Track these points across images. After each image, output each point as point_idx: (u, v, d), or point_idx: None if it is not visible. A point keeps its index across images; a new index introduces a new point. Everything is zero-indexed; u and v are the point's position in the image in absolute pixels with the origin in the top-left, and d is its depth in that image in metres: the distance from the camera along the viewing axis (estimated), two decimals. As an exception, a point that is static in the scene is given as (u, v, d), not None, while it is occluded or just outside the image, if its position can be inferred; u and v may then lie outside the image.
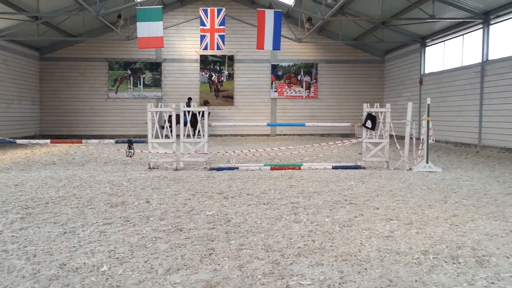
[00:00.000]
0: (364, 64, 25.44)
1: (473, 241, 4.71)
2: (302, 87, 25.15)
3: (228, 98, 24.76)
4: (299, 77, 25.09)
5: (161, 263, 4.07)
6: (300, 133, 24.96)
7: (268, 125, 12.73)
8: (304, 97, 25.19)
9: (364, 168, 10.91)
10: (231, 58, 24.71)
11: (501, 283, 3.59)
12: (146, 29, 15.09)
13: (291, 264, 4.07)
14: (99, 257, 4.24)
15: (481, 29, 16.23)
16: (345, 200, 7.01)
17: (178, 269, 3.92)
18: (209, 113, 23.17)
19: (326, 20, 17.63)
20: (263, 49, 15.27)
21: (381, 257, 4.23)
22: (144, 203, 6.71)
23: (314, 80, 25.14)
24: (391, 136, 11.21)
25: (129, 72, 24.58)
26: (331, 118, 24.77)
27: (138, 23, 15.52)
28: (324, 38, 24.84)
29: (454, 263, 4.06)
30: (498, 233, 5.02)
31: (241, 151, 12.55)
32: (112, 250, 4.43)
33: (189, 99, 22.90)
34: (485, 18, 15.76)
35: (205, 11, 15.29)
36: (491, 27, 15.89)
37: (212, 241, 4.77)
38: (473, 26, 16.76)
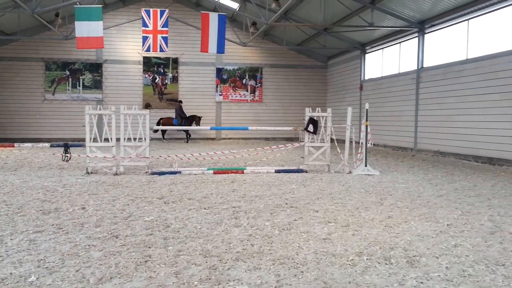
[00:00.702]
0: (307, 69, 25.93)
1: (405, 242, 4.88)
2: (247, 91, 25.25)
3: (173, 101, 24.41)
4: (244, 80, 25.19)
5: (94, 272, 3.92)
6: (245, 136, 25.03)
7: (211, 128, 12.63)
8: (249, 100, 25.30)
9: (306, 171, 11.08)
10: (175, 61, 24.39)
11: (429, 282, 3.74)
12: (85, 28, 14.58)
13: (228, 269, 4.04)
14: (27, 266, 4.02)
15: (417, 38, 16.99)
16: (286, 203, 7.08)
17: (111, 278, 3.79)
18: (200, 117, 22.91)
19: (270, 25, 17.82)
20: (207, 52, 15.19)
21: (318, 260, 4.29)
22: (79, 210, 6.45)
23: (259, 84, 25.32)
24: (332, 140, 11.47)
25: (68, 73, 23.66)
26: (276, 122, 25.04)
27: (76, 22, 14.97)
28: (269, 42, 25.10)
29: (386, 263, 4.19)
30: (429, 234, 5.24)
31: (184, 155, 12.39)
32: (41, 260, 4.21)
33: (179, 101, 23.41)
34: (421, 27, 16.52)
35: (148, 12, 15.00)
36: (426, 35, 16.67)
37: (149, 247, 4.66)
38: (410, 34, 17.52)
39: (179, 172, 10.46)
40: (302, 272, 3.96)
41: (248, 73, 25.20)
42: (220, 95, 24.97)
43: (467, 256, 4.40)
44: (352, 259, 4.30)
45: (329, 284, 3.68)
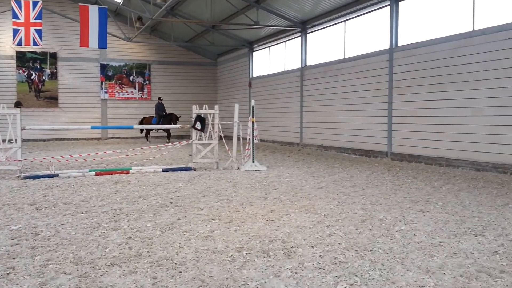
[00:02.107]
0: (197, 66, 25.78)
1: (284, 234, 5.01)
2: (134, 88, 24.39)
3: (52, 99, 22.74)
4: (131, 77, 24.29)
5: None
6: (134, 135, 24.13)
7: (92, 128, 11.87)
8: (137, 98, 24.48)
9: (194, 169, 10.98)
10: (53, 56, 22.72)
11: (303, 272, 3.86)
12: None
13: (101, 275, 3.80)
14: None
15: (300, 37, 17.73)
16: (171, 203, 6.92)
17: (-39, 298, 3.35)
18: (178, 117, 20.84)
19: (157, 20, 17.38)
20: (88, 46, 14.32)
21: (198, 258, 4.22)
22: None
23: (148, 81, 24.61)
24: (221, 137, 11.50)
25: None
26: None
27: None
28: (157, 38, 24.49)
29: (265, 257, 4.25)
30: (307, 225, 5.44)
31: (62, 157, 11.57)
32: None
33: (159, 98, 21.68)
34: (303, 27, 17.26)
35: (18, 3, 13.71)
36: (308, 35, 17.45)
37: (14, 258, 4.23)
38: (293, 34, 18.22)
39: (57, 175, 9.73)
40: (181, 272, 3.86)
41: (135, 70, 24.35)
42: (105, 92, 23.80)
43: (339, 244, 4.63)
44: (232, 255, 4.29)
45: (206, 282, 3.63)
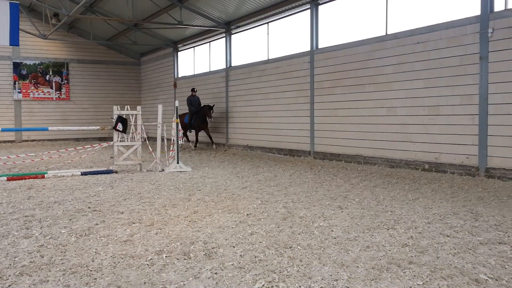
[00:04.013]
0: (120, 66, 24.98)
1: (206, 235, 4.99)
2: (51, 88, 23.11)
3: (-42, 100, 20.98)
4: (47, 77, 22.99)
5: None
6: (52, 138, 22.87)
7: (3, 130, 10.96)
8: (54, 99, 23.22)
9: (116, 172, 10.62)
10: (-40, 53, 20.98)
11: (223, 272, 3.85)
12: None
13: (9, 286, 3.56)
14: None
15: (224, 38, 17.76)
16: (89, 207, 6.64)
17: None
18: (212, 106, 16.41)
19: (74, 17, 16.62)
20: (-3, 43, 13.37)
21: (115, 264, 4.08)
22: None
23: (66, 81, 23.43)
24: (146, 138, 11.23)
25: None
26: (87, 121, 23.47)
27: None
28: (75, 36, 23.38)
29: (185, 259, 4.20)
30: (229, 225, 5.45)
31: (-30, 161, 10.72)
32: None
33: (193, 89, 17.45)
34: (227, 27, 17.30)
35: None
36: (232, 36, 17.52)
37: None
38: (218, 34, 18.21)
39: (-38, 182, 8.99)
40: (96, 279, 3.71)
41: (52, 69, 23.07)
42: (19, 92, 22.34)
43: (260, 242, 4.69)
44: (151, 259, 4.20)
45: (123, 287, 3.51)
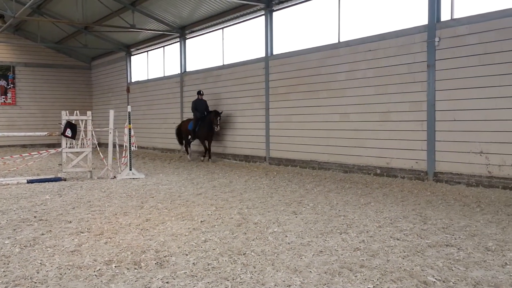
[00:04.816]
0: (70, 70, 24.20)
1: (159, 243, 4.86)
2: (-4, 92, 22.07)
3: None
4: (-8, 80, 21.95)
5: None
6: (-4, 144, 21.79)
7: None
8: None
9: (65, 180, 10.24)
10: None
11: (175, 281, 3.76)
12: None
13: None
14: None
15: (179, 43, 17.57)
16: (35, 217, 6.34)
17: None
18: (220, 113, 14.08)
19: (21, 19, 15.97)
20: None
21: (61, 275, 3.90)
22: None
23: (12, 85, 22.41)
24: (97, 144, 10.90)
25: None
26: (34, 127, 22.43)
27: None
28: (21, 38, 22.44)
29: (135, 268, 4.07)
30: (183, 233, 5.34)
31: None
32: None
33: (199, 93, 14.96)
34: (182, 32, 17.12)
35: None
36: (187, 41, 17.36)
37: None
38: (173, 39, 17.99)
39: None
40: (39, 293, 3.52)
41: (-4, 72, 22.05)
42: (-39, 96, 21.18)
43: (214, 249, 4.62)
44: (99, 269, 4.04)
45: (68, 301, 3.36)
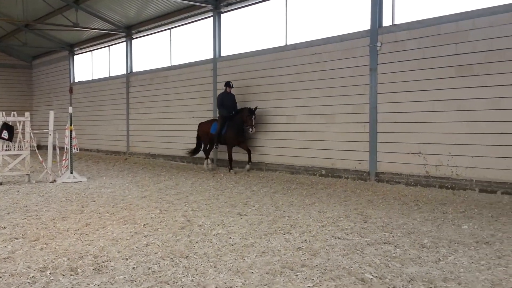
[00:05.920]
0: (8, 69, 23.11)
1: (98, 248, 4.70)
2: None
3: None
4: None
5: None
6: None
7: None
8: None
9: (1, 184, 9.73)
10: None
11: (113, 286, 3.65)
12: None
13: None
14: None
15: (125, 42, 17.17)
16: (-36, 223, 5.97)
17: None
18: (254, 110, 11.35)
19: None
20: None
21: (-10, 285, 3.68)
22: None
23: None
24: (35, 147, 10.44)
25: None
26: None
27: None
28: (-44, 35, 21.23)
29: (71, 275, 3.92)
30: (124, 237, 5.20)
31: None
32: None
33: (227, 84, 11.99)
34: (128, 32, 16.74)
35: None
36: (133, 41, 17.00)
37: None
38: (118, 38, 17.55)
39: None
40: (-36, 304, 3.32)
41: None
42: None
43: (155, 253, 4.52)
44: (33, 276, 3.86)
45: (-4, 312, 3.18)
